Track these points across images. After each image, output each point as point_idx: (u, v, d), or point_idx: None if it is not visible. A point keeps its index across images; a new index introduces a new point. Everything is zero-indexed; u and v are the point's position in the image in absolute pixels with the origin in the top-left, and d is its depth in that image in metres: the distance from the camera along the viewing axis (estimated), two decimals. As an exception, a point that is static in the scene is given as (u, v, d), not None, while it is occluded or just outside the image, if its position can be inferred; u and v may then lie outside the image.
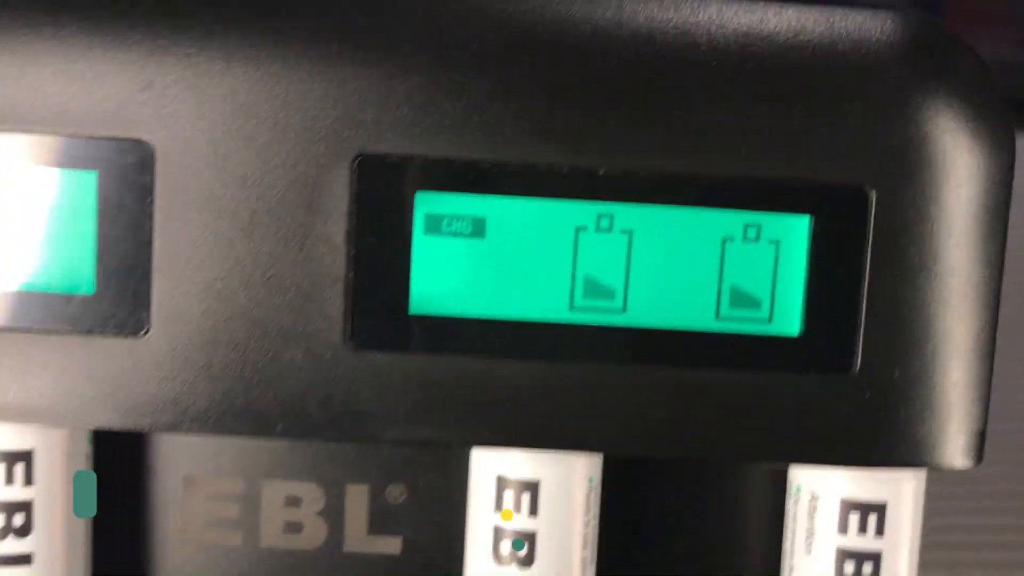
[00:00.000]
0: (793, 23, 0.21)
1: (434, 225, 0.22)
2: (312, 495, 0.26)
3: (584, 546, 0.24)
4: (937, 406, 0.22)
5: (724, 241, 0.22)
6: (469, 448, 0.23)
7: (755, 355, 0.22)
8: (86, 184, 0.21)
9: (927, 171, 0.21)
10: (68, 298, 0.21)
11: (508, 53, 0.21)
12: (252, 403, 0.21)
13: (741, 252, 0.22)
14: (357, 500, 0.26)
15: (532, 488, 0.24)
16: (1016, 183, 0.22)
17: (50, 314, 0.21)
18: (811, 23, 0.21)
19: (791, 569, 0.25)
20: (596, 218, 0.22)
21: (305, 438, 0.22)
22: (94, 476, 0.25)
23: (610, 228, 0.22)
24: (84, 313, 0.21)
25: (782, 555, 0.25)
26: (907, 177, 0.21)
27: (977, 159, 0.21)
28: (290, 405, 0.21)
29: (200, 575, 0.27)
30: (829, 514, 0.24)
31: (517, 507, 0.24)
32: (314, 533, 0.27)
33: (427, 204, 0.21)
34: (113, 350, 0.21)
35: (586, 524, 0.24)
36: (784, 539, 0.25)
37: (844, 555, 0.24)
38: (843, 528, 0.24)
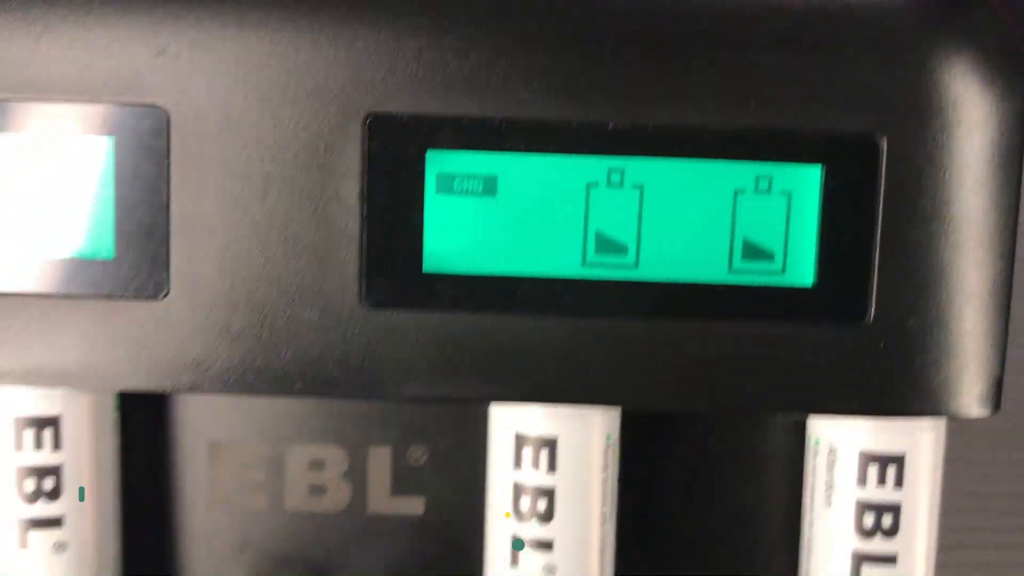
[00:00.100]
0: (801, -27, 0.21)
1: (446, 184, 0.22)
2: (335, 458, 0.27)
3: (603, 501, 0.24)
4: (953, 354, 0.22)
5: (736, 193, 0.22)
6: (485, 404, 0.24)
7: (769, 306, 0.22)
8: (103, 150, 0.21)
9: (938, 118, 0.21)
10: (89, 263, 0.22)
11: (515, 9, 0.21)
12: (271, 362, 0.22)
13: (753, 204, 0.22)
14: (379, 462, 0.27)
15: (550, 445, 0.24)
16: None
17: (72, 279, 0.22)
18: (820, -27, 0.21)
19: (811, 523, 0.25)
20: (607, 173, 0.22)
21: (323, 396, 0.22)
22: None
23: (621, 183, 0.22)
24: (105, 278, 0.22)
25: (802, 509, 0.25)
26: (918, 124, 0.21)
27: (989, 105, 0.21)
28: (308, 364, 0.22)
29: (227, 538, 0.27)
30: (848, 467, 0.24)
31: (536, 464, 0.24)
32: (338, 495, 0.27)
33: (438, 163, 0.22)
34: (134, 313, 0.22)
35: (604, 480, 0.24)
36: (804, 493, 0.25)
37: (863, 507, 0.24)
38: (862, 480, 0.24)
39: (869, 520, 0.24)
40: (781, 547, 0.26)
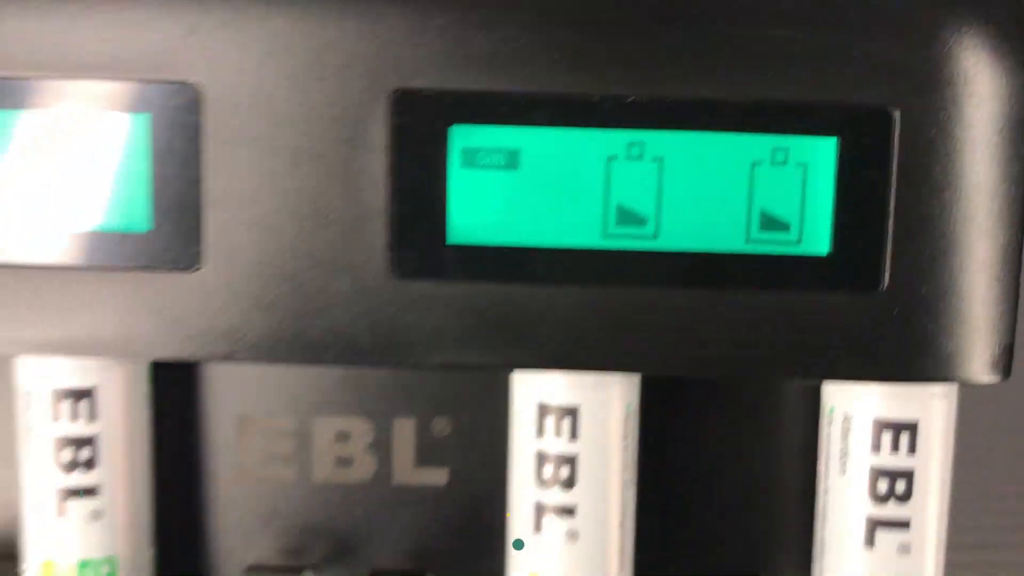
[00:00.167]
0: (816, -51, 0.22)
1: (470, 159, 0.22)
2: (361, 430, 0.28)
3: (623, 468, 0.25)
4: (964, 321, 0.23)
5: (753, 165, 0.22)
6: (508, 371, 0.24)
7: (785, 275, 0.22)
8: (141, 127, 0.22)
9: (949, 91, 0.22)
10: (126, 236, 0.22)
11: (537, -13, 0.22)
12: (302, 332, 0.22)
13: (770, 175, 0.22)
14: (404, 434, 0.27)
15: (572, 414, 0.24)
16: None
17: (109, 252, 0.23)
18: (834, -52, 0.22)
19: (826, 490, 0.26)
20: (627, 147, 0.22)
21: (353, 364, 0.23)
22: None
23: (641, 156, 0.22)
24: (141, 250, 0.22)
25: (817, 477, 0.26)
26: (930, 97, 0.22)
27: (999, 78, 0.22)
28: (338, 333, 0.22)
29: (256, 509, 0.28)
30: (862, 434, 0.25)
31: (558, 432, 0.25)
32: (364, 466, 0.28)
33: (462, 138, 0.22)
34: (169, 285, 0.22)
35: (624, 448, 0.25)
36: (819, 461, 0.26)
37: (878, 473, 0.25)
38: (876, 447, 0.25)
39: (883, 486, 0.25)
40: (796, 515, 0.27)
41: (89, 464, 0.25)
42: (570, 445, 0.25)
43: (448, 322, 0.22)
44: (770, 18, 0.22)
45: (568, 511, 0.25)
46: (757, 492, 0.27)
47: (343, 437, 0.28)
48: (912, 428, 0.24)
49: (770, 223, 0.23)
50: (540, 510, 0.25)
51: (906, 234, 0.22)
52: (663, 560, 0.27)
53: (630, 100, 0.22)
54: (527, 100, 0.22)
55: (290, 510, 0.28)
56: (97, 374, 0.25)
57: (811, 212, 0.22)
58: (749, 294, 0.23)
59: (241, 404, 0.27)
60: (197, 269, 0.22)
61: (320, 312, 0.22)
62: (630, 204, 0.22)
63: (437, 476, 0.28)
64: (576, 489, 0.25)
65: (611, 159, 0.22)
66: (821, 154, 0.22)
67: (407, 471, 0.28)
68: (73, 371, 0.25)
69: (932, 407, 0.24)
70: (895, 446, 0.24)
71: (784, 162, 0.22)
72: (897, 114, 0.22)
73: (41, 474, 0.25)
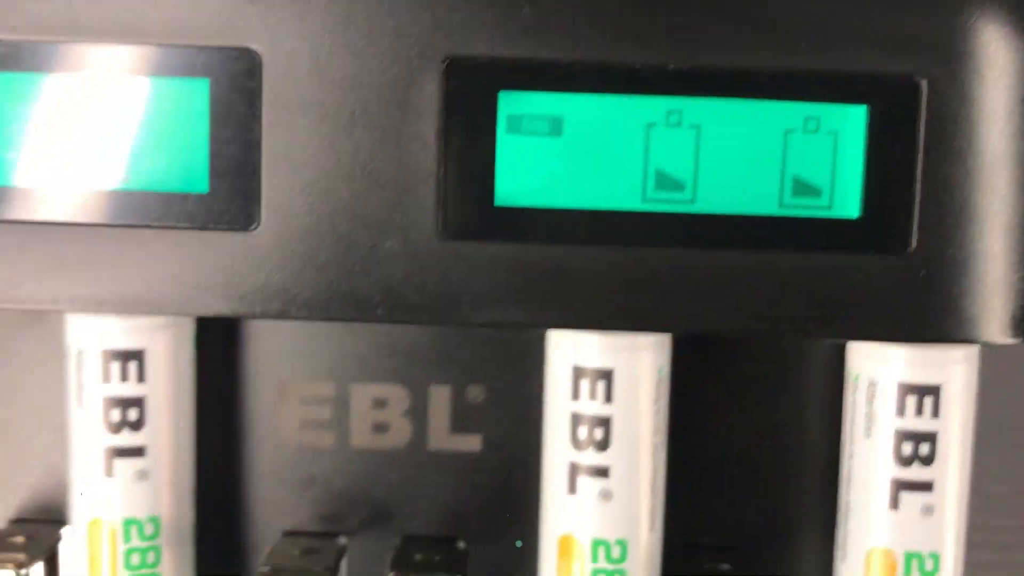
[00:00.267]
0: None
1: (515, 125, 0.23)
2: (397, 397, 0.28)
3: (655, 431, 0.26)
4: (986, 284, 0.24)
5: (786, 133, 0.23)
6: (549, 330, 0.25)
7: (816, 238, 0.23)
8: (199, 91, 0.23)
9: (974, 61, 0.23)
10: (184, 196, 0.23)
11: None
12: (354, 290, 0.23)
13: (802, 142, 0.23)
14: (439, 401, 0.28)
15: (607, 376, 0.25)
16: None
17: (168, 212, 0.23)
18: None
19: (851, 454, 0.26)
20: (666, 114, 0.23)
21: (401, 322, 0.23)
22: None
23: (679, 123, 0.23)
24: (199, 210, 0.23)
25: (841, 441, 0.27)
26: (956, 67, 0.23)
27: (1020, 49, 0.23)
28: (389, 291, 0.23)
29: (293, 474, 0.29)
30: (887, 398, 0.25)
31: (593, 395, 0.25)
32: (400, 433, 0.28)
33: (509, 104, 0.23)
34: (226, 244, 0.23)
35: (656, 412, 0.26)
36: (843, 426, 0.27)
37: (902, 436, 0.25)
38: (900, 411, 0.25)
39: (908, 449, 0.25)
40: (820, 477, 0.28)
41: (136, 425, 0.26)
42: (604, 407, 0.25)
43: (493, 281, 0.23)
44: (805, -11, 0.23)
45: (602, 472, 0.26)
46: (783, 456, 0.28)
47: (380, 404, 0.28)
48: (935, 391, 0.25)
49: (802, 188, 0.24)
50: (575, 471, 0.26)
51: (932, 199, 0.23)
52: (691, 521, 0.28)
53: (670, 69, 0.23)
54: (571, 68, 0.23)
55: (327, 475, 0.28)
56: (146, 336, 0.26)
57: (842, 178, 0.23)
58: (781, 257, 0.23)
59: (280, 370, 0.28)
60: (253, 229, 0.23)
61: (370, 271, 0.23)
62: (668, 169, 0.23)
63: (471, 442, 0.28)
64: (610, 451, 0.25)
65: (650, 126, 0.23)
66: (851, 122, 0.23)
67: (442, 437, 0.28)
68: (123, 332, 0.25)
69: (954, 371, 0.25)
70: (919, 410, 0.25)
71: (816, 130, 0.23)
72: (924, 83, 0.23)
73: (90, 433, 0.26)
